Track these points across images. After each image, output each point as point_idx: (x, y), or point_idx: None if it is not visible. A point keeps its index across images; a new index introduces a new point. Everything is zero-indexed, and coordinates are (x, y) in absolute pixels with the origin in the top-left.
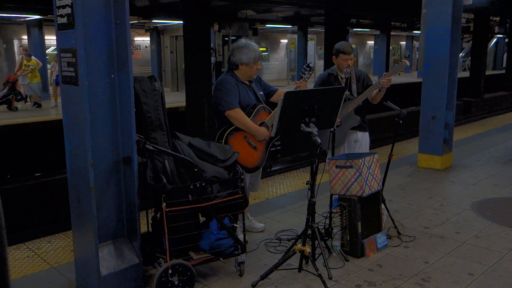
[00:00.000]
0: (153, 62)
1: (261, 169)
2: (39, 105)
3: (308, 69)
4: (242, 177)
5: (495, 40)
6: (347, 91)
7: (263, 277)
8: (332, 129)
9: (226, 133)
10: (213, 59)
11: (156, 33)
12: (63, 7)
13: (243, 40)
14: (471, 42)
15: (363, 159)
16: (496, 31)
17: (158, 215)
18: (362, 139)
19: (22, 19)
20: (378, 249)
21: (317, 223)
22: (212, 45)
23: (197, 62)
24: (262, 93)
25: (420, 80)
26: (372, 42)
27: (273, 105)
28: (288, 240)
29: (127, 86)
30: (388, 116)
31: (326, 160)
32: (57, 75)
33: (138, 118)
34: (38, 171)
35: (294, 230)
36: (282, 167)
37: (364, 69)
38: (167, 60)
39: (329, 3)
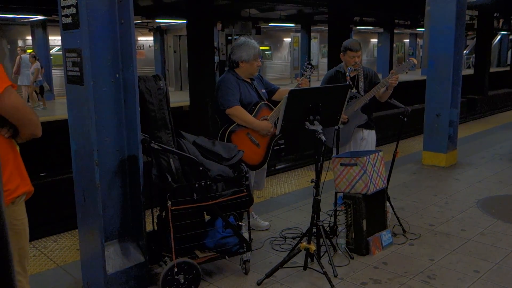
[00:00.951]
0: (157, 61)
1: (265, 167)
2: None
3: (309, 66)
4: (247, 175)
5: (499, 37)
6: (354, 89)
7: (268, 275)
8: (336, 127)
9: (228, 131)
10: (216, 58)
11: (160, 33)
12: (68, 7)
13: (242, 38)
14: (475, 39)
15: (368, 156)
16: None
17: (164, 214)
18: (369, 137)
19: (26, 20)
20: (383, 246)
21: (322, 221)
22: (215, 44)
23: (201, 62)
24: (264, 90)
25: (424, 77)
26: (376, 40)
27: (275, 104)
28: (293, 238)
29: (132, 85)
30: (393, 114)
31: (331, 158)
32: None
33: (143, 117)
34: (43, 171)
35: (299, 228)
36: (286, 165)
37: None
38: (170, 60)
39: (332, 1)
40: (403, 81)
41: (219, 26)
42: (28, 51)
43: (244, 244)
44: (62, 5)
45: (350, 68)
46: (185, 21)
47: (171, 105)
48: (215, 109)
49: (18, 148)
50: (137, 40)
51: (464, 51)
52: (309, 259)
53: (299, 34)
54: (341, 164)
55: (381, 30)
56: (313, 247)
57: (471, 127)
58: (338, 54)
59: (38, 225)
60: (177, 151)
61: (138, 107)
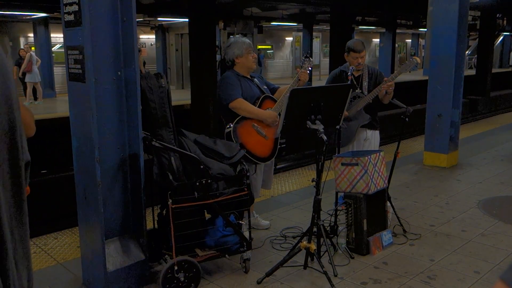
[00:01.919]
0: (158, 60)
1: (273, 166)
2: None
3: (307, 59)
4: (248, 174)
5: (501, 38)
6: (358, 88)
7: (268, 274)
8: (338, 127)
9: (233, 124)
10: (218, 56)
11: (161, 31)
12: (70, 4)
13: (230, 38)
14: (477, 40)
15: (369, 156)
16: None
17: (164, 212)
18: (372, 137)
19: (28, 17)
20: (384, 246)
21: (323, 221)
22: (217, 43)
23: (203, 60)
24: (266, 87)
25: (426, 78)
26: (378, 40)
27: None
28: (294, 237)
29: (134, 83)
30: (394, 114)
31: (332, 157)
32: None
33: (145, 115)
34: (44, 168)
35: (299, 228)
36: (287, 164)
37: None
38: (172, 58)
39: (335, 1)
40: (405, 81)
41: (221, 24)
42: (32, 48)
43: (245, 243)
44: (64, 3)
45: (352, 68)
46: (187, 20)
47: (172, 103)
48: (218, 107)
49: None
50: (139, 38)
51: (466, 52)
52: (309, 259)
53: (301, 34)
54: (342, 164)
55: (383, 30)
56: (313, 246)
57: (473, 128)
58: (340, 54)
59: (39, 222)
60: (178, 149)
61: (140, 105)
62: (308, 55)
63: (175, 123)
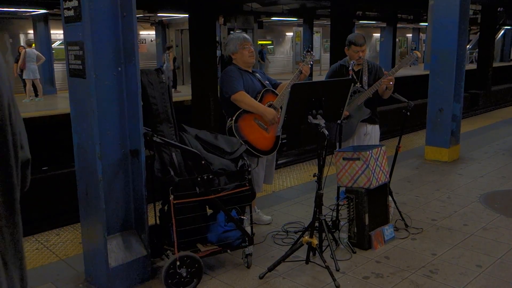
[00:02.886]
0: (159, 56)
1: (274, 160)
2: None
3: (308, 53)
4: (249, 169)
5: (502, 31)
6: (358, 83)
7: (270, 269)
8: (339, 121)
9: (234, 117)
10: (218, 52)
11: (161, 27)
12: (70, 0)
13: (228, 36)
14: (478, 34)
15: (370, 151)
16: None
17: (166, 208)
18: (372, 132)
19: (28, 14)
20: (386, 241)
21: (324, 215)
22: (217, 39)
23: (203, 56)
24: (268, 82)
25: (427, 72)
26: (378, 34)
27: None
28: (295, 232)
29: (134, 78)
30: (395, 109)
31: (334, 152)
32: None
33: (145, 111)
34: (45, 165)
35: (301, 223)
36: (288, 160)
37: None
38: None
39: None
40: (406, 76)
41: (221, 20)
42: (33, 45)
43: (246, 238)
44: None
45: (353, 62)
46: (187, 15)
47: (173, 99)
48: (220, 102)
49: None
50: (139, 34)
51: (467, 46)
52: (311, 253)
53: (301, 29)
54: (344, 159)
55: (384, 25)
56: (315, 241)
57: (474, 122)
58: (341, 49)
59: (41, 218)
60: (179, 144)
61: (140, 101)
62: (309, 49)
63: (176, 119)
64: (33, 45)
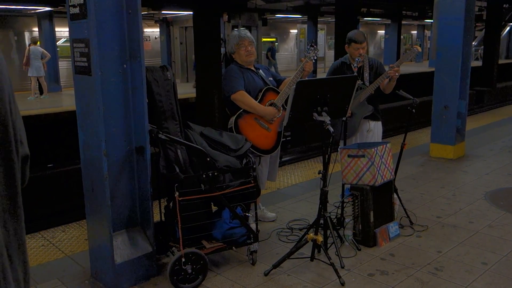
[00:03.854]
0: (163, 53)
1: (278, 157)
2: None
3: (312, 48)
4: (254, 166)
5: (508, 28)
6: (359, 80)
7: (275, 266)
8: (344, 118)
9: (235, 117)
10: (223, 49)
11: (166, 24)
12: None
13: (230, 34)
14: (483, 30)
15: (376, 148)
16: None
17: (171, 205)
18: (375, 128)
19: (32, 11)
20: (390, 238)
21: (329, 213)
22: (221, 36)
23: (207, 53)
24: (271, 79)
25: (432, 69)
26: (383, 31)
27: None
28: (300, 229)
29: (139, 75)
30: (400, 106)
31: (338, 149)
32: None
33: (151, 108)
34: (51, 162)
35: (305, 220)
36: (293, 157)
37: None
38: (176, 51)
39: None
40: (411, 73)
41: (225, 17)
42: (38, 42)
43: (251, 235)
44: None
45: (358, 59)
46: (191, 13)
47: (178, 96)
48: (224, 100)
49: None
50: (143, 31)
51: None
52: (316, 250)
53: (305, 26)
54: (349, 156)
55: (389, 22)
56: (320, 238)
57: (479, 119)
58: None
59: (47, 215)
60: (184, 141)
61: (146, 98)
62: (313, 44)
63: (181, 116)
64: (38, 42)
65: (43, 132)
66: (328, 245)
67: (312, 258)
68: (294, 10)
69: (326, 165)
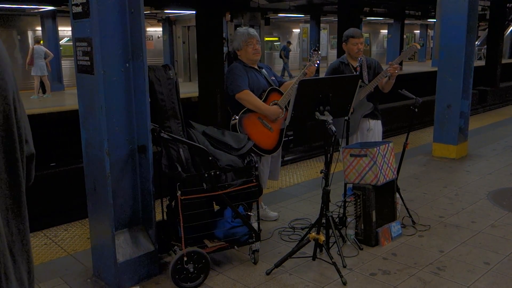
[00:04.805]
0: (166, 52)
1: (280, 156)
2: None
3: (315, 52)
4: (256, 165)
5: (511, 28)
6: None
7: (277, 265)
8: (346, 118)
9: (239, 116)
10: (225, 49)
11: (168, 24)
12: None
13: (234, 32)
14: (487, 30)
15: (378, 147)
16: None
17: (173, 203)
18: (375, 127)
19: (36, 11)
20: (393, 238)
21: (331, 212)
22: (224, 35)
23: (210, 52)
24: (274, 78)
25: (434, 69)
26: (386, 31)
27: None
28: (302, 229)
29: (142, 75)
30: (403, 106)
31: (340, 149)
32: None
33: (153, 107)
34: (53, 161)
35: (307, 219)
36: (295, 156)
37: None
38: (179, 51)
39: None
40: (414, 73)
41: (228, 16)
42: (41, 42)
43: (253, 234)
44: None
45: (361, 59)
46: (194, 12)
47: (180, 96)
48: (226, 99)
49: None
50: (146, 30)
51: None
52: (318, 250)
53: (308, 25)
54: (351, 155)
55: (392, 21)
56: (322, 237)
57: (482, 119)
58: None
59: (49, 214)
60: (186, 140)
61: (148, 97)
62: (316, 48)
63: (183, 115)
64: (41, 41)
65: (46, 131)
66: (330, 244)
67: (314, 257)
68: (297, 10)
69: (328, 164)
